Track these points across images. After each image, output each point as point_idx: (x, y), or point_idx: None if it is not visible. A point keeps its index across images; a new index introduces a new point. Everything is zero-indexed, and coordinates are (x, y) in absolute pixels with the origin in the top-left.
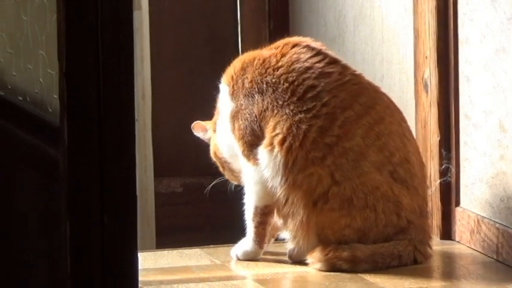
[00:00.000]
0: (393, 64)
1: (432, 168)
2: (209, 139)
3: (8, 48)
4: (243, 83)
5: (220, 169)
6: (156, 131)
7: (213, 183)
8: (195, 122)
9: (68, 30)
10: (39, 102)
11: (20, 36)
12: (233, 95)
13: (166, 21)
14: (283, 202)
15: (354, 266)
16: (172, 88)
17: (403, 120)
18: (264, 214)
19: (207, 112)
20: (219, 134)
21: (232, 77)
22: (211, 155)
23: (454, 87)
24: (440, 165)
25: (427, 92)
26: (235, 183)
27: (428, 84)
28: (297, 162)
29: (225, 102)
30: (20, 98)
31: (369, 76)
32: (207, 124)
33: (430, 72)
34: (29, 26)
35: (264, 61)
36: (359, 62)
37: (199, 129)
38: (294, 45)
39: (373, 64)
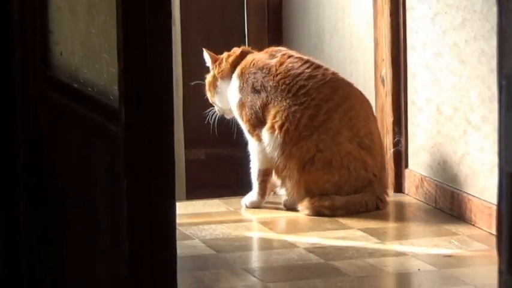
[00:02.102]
0: (359, 65)
1: (388, 140)
2: (209, 72)
3: (80, 53)
4: (253, 84)
5: (207, 94)
6: (185, 113)
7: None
8: (206, 49)
9: (124, 39)
10: (103, 92)
11: (89, 44)
12: (242, 89)
13: (192, 34)
14: (282, 168)
15: (333, 212)
16: (197, 84)
17: (369, 106)
18: (265, 175)
19: None
20: (219, 95)
21: (244, 74)
22: (207, 86)
23: (403, 82)
24: (394, 138)
25: (383, 85)
26: (217, 111)
27: (385, 79)
28: (292, 139)
29: (234, 92)
30: (90, 89)
31: (341, 74)
32: (216, 60)
33: (386, 71)
34: (96, 36)
35: (269, 70)
36: (334, 63)
37: (209, 55)
38: (290, 56)
39: (344, 65)
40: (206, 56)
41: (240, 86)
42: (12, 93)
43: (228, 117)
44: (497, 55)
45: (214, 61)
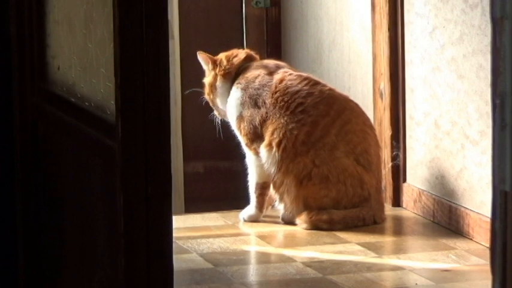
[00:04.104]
0: (357, 79)
1: (386, 154)
2: (209, 73)
3: (78, 67)
4: (255, 100)
5: (206, 97)
6: (184, 127)
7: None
8: (201, 52)
9: (121, 54)
10: (100, 107)
11: (87, 59)
12: (243, 104)
13: (191, 48)
14: (280, 184)
15: (330, 226)
16: (196, 97)
17: (366, 120)
18: (262, 188)
19: None
20: (221, 96)
21: (248, 88)
22: (207, 88)
23: (401, 96)
24: (392, 152)
25: (382, 99)
26: (217, 115)
27: (383, 93)
28: (289, 156)
29: (234, 103)
30: (87, 104)
31: (339, 88)
32: (215, 61)
33: (384, 85)
34: (93, 51)
35: (270, 87)
36: (332, 77)
37: (203, 59)
38: (290, 74)
39: (342, 79)
40: (201, 58)
41: (241, 99)
42: (9, 106)
43: (227, 120)
44: (491, 74)
45: (213, 62)
